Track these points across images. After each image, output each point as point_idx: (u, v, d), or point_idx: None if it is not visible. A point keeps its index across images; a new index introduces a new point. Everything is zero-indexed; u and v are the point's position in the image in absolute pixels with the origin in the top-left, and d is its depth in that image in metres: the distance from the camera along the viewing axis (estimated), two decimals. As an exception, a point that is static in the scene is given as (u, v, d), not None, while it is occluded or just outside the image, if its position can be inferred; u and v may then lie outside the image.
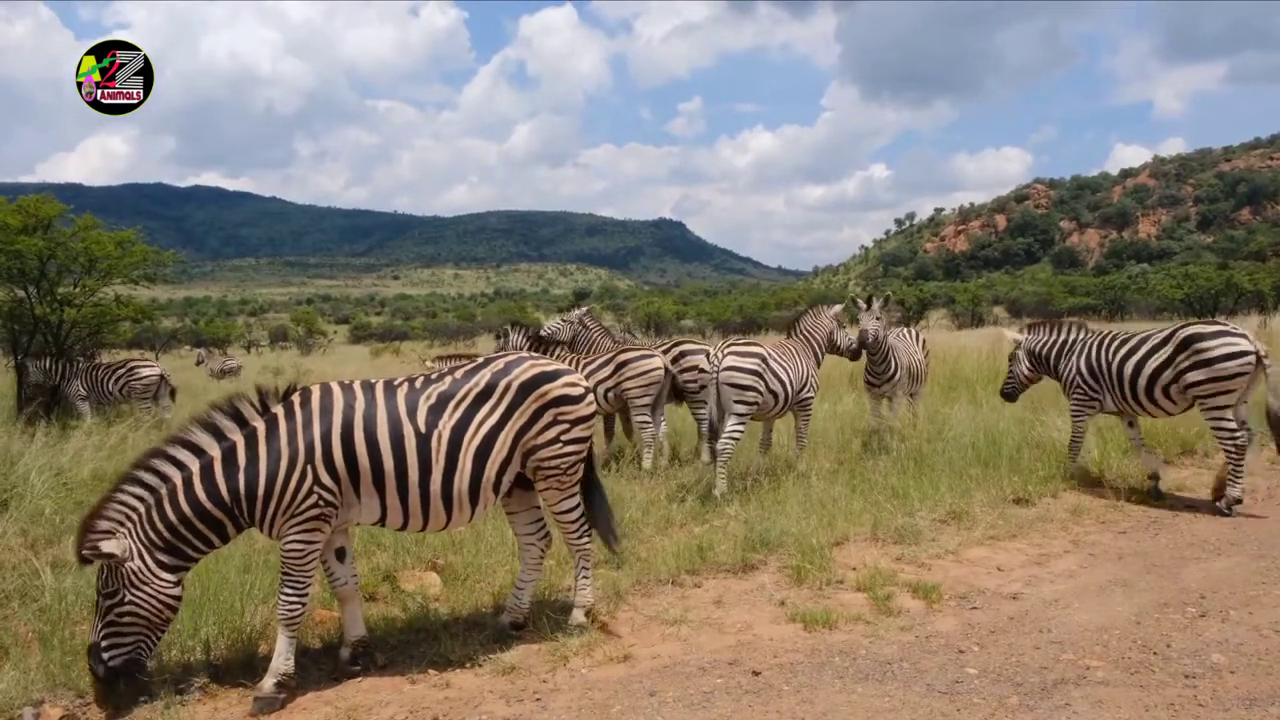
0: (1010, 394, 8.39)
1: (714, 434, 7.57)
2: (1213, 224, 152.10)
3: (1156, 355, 6.89)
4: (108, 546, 3.77)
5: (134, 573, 3.85)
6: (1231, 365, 6.48)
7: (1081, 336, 7.74)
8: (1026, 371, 8.14)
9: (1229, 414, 6.61)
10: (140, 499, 3.92)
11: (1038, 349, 7.98)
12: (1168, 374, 6.80)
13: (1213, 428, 6.77)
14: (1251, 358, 6.48)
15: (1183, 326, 6.95)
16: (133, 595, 3.85)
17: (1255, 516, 6.72)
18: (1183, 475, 7.98)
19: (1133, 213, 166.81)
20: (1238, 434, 6.61)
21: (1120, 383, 7.12)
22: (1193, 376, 6.62)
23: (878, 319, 8.52)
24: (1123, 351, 7.18)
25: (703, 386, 8.68)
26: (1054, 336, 7.90)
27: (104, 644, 3.86)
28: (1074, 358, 7.57)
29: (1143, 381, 6.94)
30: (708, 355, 8.43)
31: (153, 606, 3.88)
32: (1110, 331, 7.73)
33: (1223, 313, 30.36)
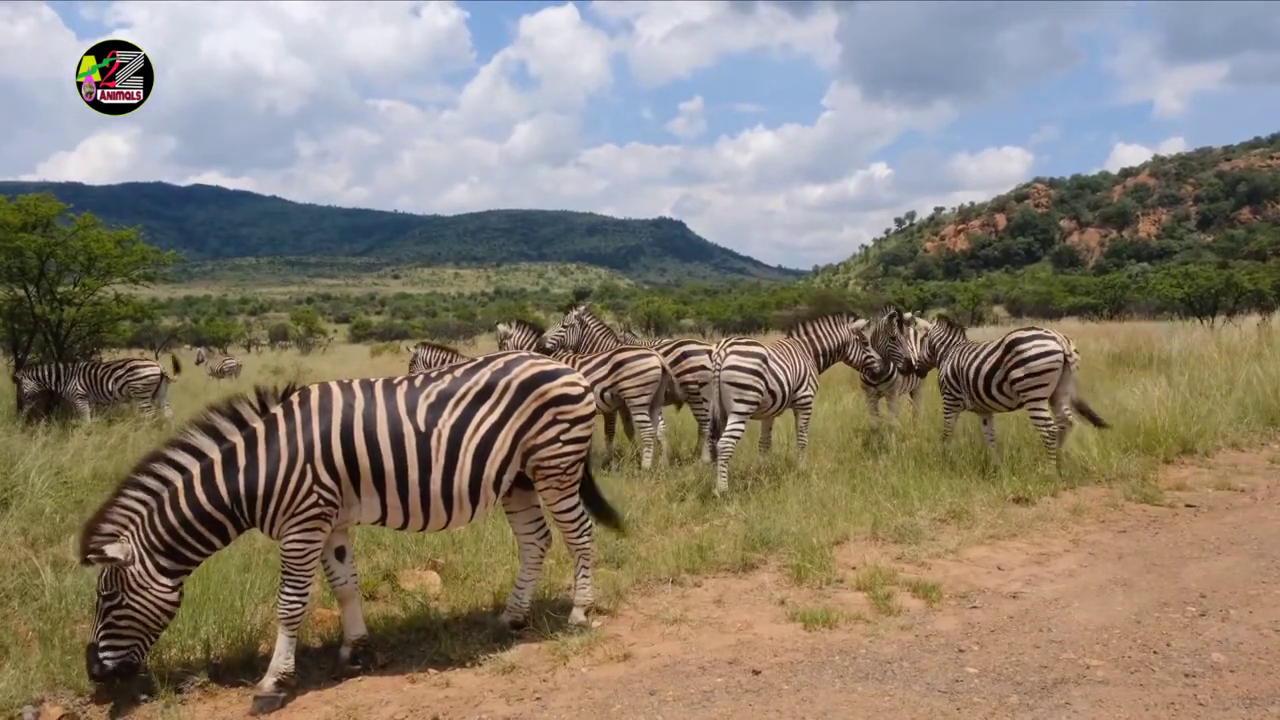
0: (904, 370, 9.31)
1: (715, 432, 7.59)
2: (1213, 223, 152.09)
3: (991, 357, 7.87)
4: (112, 551, 3.77)
5: (134, 577, 3.85)
6: (1041, 363, 7.50)
7: (956, 340, 8.57)
8: (926, 357, 8.87)
9: (1044, 405, 7.62)
10: (143, 503, 3.93)
11: (934, 343, 8.72)
12: (999, 374, 7.79)
13: (1031, 416, 7.78)
14: (1059, 356, 7.49)
15: (1012, 332, 7.98)
16: (131, 599, 3.85)
17: (1255, 516, 6.72)
18: (1183, 475, 7.98)
19: (1133, 212, 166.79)
20: (1050, 423, 7.67)
21: (970, 383, 8.06)
22: (1014, 374, 7.64)
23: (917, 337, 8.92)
24: (970, 356, 8.14)
25: (703, 384, 8.69)
26: (945, 337, 8.66)
27: (101, 644, 3.86)
28: (945, 362, 8.43)
29: (981, 381, 7.93)
30: (710, 355, 8.45)
31: (150, 611, 3.88)
32: (969, 342, 8.58)
33: (1222, 312, 30.34)
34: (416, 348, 11.79)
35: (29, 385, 12.25)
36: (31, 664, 4.14)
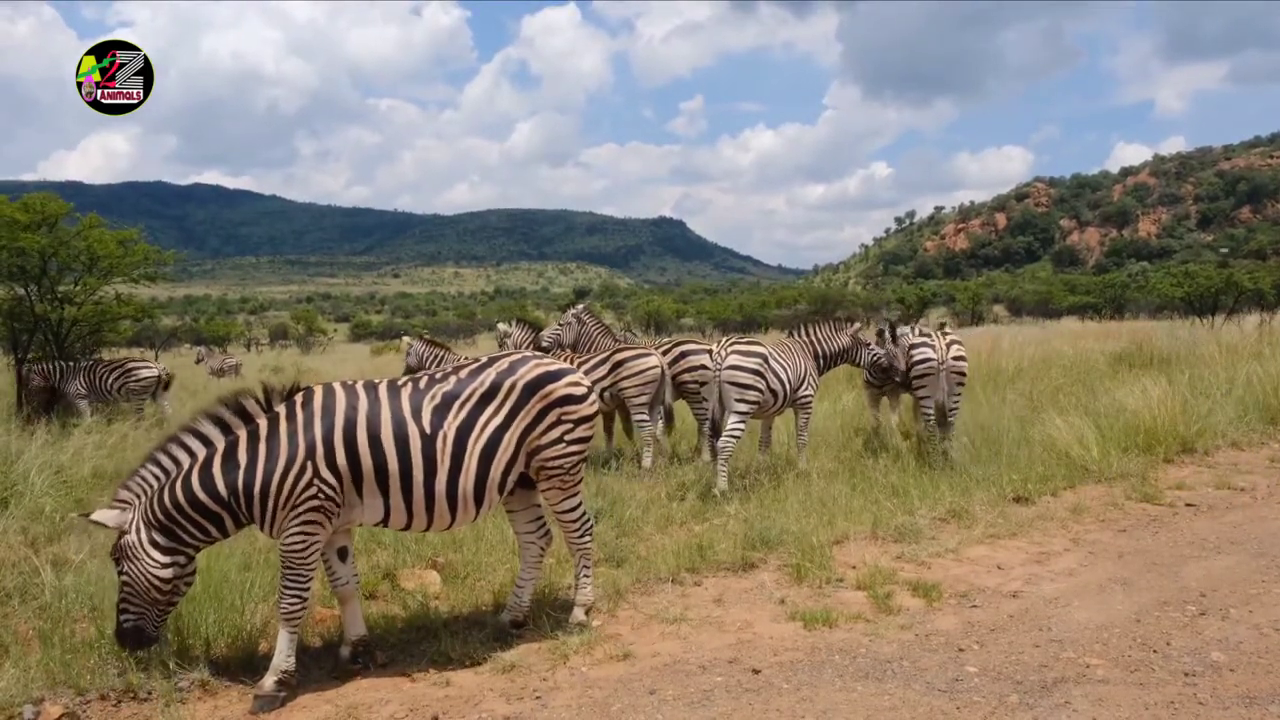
0: None
1: (716, 432, 7.59)
2: (1213, 222, 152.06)
3: (906, 358, 8.83)
4: (99, 516, 4.01)
5: (129, 547, 4.00)
6: (920, 367, 8.55)
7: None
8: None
9: (931, 402, 8.61)
10: (157, 478, 4.05)
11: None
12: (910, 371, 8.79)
13: (918, 406, 8.82)
14: (933, 363, 8.44)
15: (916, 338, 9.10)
16: (128, 567, 4.01)
17: (1255, 516, 6.72)
18: (1183, 474, 7.98)
19: (1133, 211, 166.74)
20: (932, 415, 8.59)
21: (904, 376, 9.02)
22: (914, 372, 8.66)
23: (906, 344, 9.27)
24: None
25: (703, 384, 8.69)
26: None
27: (118, 607, 4.07)
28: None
29: (903, 376, 8.89)
30: (710, 354, 8.46)
31: (143, 582, 3.99)
32: None
33: (1223, 311, 30.32)
34: (411, 340, 12.18)
35: (36, 380, 12.14)
36: (31, 663, 4.14)
